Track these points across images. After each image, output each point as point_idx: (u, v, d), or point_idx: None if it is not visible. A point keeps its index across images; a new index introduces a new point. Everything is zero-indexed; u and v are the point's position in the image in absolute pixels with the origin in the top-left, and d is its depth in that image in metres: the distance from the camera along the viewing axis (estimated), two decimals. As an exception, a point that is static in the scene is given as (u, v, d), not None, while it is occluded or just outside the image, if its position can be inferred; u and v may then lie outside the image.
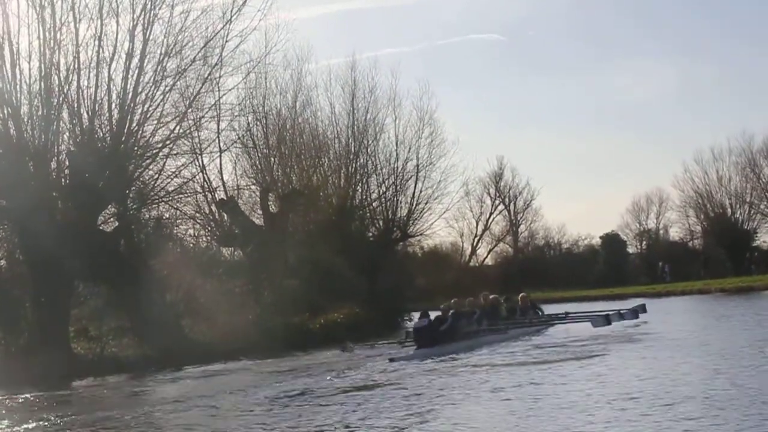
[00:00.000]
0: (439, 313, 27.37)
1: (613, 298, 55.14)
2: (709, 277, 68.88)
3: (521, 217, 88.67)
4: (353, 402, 16.14)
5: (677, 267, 77.96)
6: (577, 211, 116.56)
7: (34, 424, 16.16)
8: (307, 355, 28.20)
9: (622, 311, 29.64)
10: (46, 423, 16.25)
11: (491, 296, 30.78)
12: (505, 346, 25.13)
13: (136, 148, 30.34)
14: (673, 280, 72.92)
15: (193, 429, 14.69)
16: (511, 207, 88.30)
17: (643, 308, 30.97)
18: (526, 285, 74.73)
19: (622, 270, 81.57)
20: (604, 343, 23.66)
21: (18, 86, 28.10)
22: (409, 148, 50.37)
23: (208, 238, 42.37)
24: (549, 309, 35.42)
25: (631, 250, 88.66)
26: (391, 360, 23.20)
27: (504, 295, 32.01)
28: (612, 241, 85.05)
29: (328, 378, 20.50)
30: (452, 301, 28.43)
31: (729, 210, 78.85)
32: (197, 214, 40.70)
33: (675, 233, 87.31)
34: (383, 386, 18.26)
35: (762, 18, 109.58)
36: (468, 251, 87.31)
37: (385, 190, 50.00)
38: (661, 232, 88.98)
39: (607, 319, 26.68)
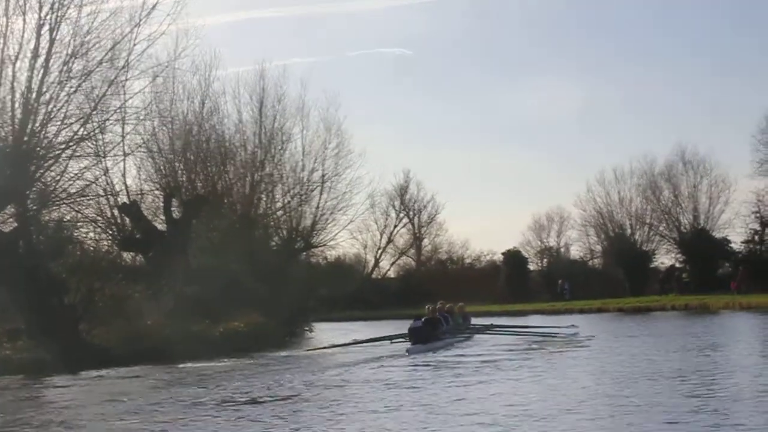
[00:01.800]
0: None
1: (514, 314, 55.81)
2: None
3: (425, 231, 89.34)
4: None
5: (576, 285, 79.16)
6: (481, 227, 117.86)
7: None
8: (204, 362, 28.16)
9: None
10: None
11: (447, 305, 35.48)
12: (474, 345, 31.63)
13: (38, 149, 29.92)
14: (572, 298, 74.06)
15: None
16: (416, 220, 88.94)
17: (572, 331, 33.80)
18: (427, 298, 75.47)
19: (523, 286, 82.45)
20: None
21: None
22: (316, 159, 50.60)
23: (109, 242, 41.94)
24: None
25: (532, 267, 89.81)
26: (408, 351, 28.56)
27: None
28: (514, 257, 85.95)
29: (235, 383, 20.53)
30: (429, 307, 34.10)
31: (629, 230, 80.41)
32: (99, 218, 40.32)
33: (575, 251, 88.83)
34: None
35: (664, 42, 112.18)
36: (371, 263, 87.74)
37: (290, 199, 50.05)
38: (562, 250, 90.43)
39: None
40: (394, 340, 32.36)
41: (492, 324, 36.19)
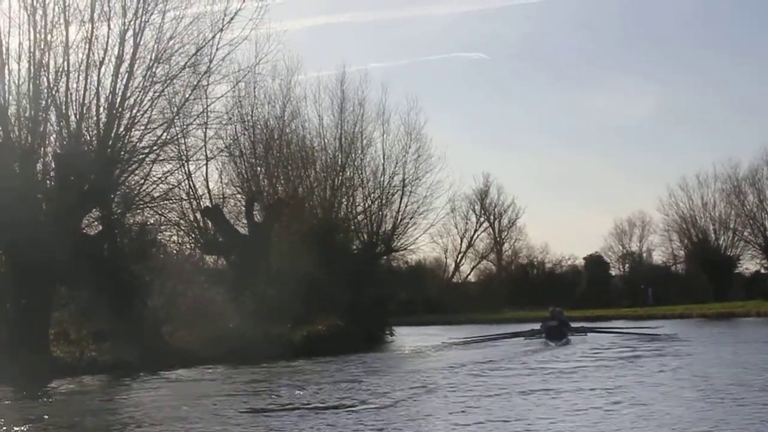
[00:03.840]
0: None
1: (594, 320, 55.16)
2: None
3: (505, 235, 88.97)
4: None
5: (659, 291, 78.16)
6: (561, 232, 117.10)
7: (2, 422, 16.10)
8: (289, 366, 28.25)
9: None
10: (18, 422, 16.20)
11: (557, 309, 40.67)
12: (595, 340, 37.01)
13: (122, 153, 30.29)
14: (656, 304, 73.18)
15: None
16: (496, 225, 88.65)
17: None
18: (508, 303, 75.25)
19: (604, 291, 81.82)
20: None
21: (6, 86, 28.07)
22: (396, 163, 50.55)
23: (192, 245, 42.38)
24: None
25: (613, 272, 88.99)
26: (546, 344, 35.33)
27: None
28: (595, 262, 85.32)
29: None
30: (555, 309, 40.01)
31: (712, 235, 79.21)
32: (182, 221, 40.75)
33: (658, 257, 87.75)
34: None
35: (749, 40, 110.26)
36: (451, 267, 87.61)
37: (370, 203, 50.09)
38: (644, 255, 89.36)
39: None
40: (528, 337, 38.18)
41: (595, 327, 43.16)
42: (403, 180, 50.52)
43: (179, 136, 33.05)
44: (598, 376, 21.42)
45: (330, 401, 17.91)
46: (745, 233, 77.75)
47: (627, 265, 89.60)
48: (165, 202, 34.17)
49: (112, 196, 31.03)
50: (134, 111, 30.13)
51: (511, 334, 39.27)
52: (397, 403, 17.27)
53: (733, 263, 78.86)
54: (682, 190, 79.34)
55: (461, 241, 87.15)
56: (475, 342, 38.49)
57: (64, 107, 29.14)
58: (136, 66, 30.00)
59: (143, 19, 29.93)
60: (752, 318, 57.89)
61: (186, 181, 39.33)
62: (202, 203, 41.49)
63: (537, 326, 39.71)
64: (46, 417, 16.82)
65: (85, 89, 29.37)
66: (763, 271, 78.25)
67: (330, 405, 17.27)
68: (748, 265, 79.85)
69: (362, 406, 16.98)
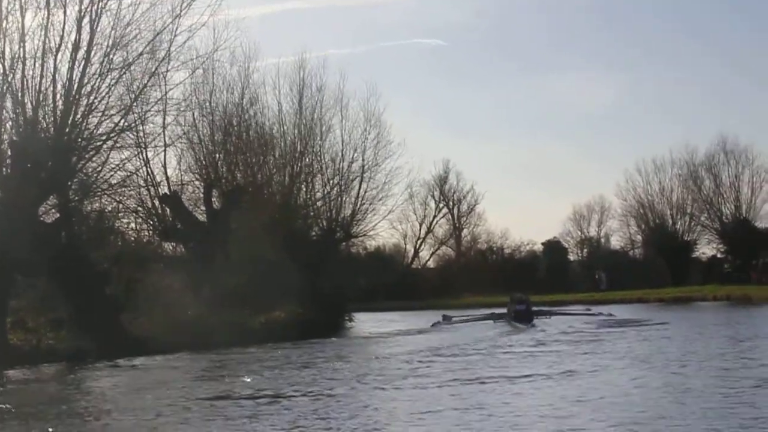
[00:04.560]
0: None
1: (552, 305, 55.55)
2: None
3: (465, 221, 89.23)
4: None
5: (617, 275, 78.77)
6: (521, 218, 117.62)
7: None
8: (247, 353, 28.29)
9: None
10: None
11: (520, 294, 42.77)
12: (560, 324, 38.13)
13: (79, 140, 30.10)
14: (608, 289, 73.65)
15: (122, 419, 14.74)
16: (455, 211, 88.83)
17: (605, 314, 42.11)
18: (467, 288, 75.50)
19: (563, 276, 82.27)
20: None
21: (-40, 74, 27.82)
22: (355, 149, 50.52)
23: (150, 232, 42.18)
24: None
25: (572, 257, 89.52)
26: (516, 327, 36.90)
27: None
28: (554, 247, 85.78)
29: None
30: (518, 294, 42.06)
31: (669, 221, 79.89)
32: (140, 208, 40.48)
33: (616, 242, 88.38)
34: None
35: (713, 29, 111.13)
36: (411, 253, 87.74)
37: (329, 189, 50.08)
38: (602, 240, 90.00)
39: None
40: (496, 320, 40.48)
41: (552, 310, 45.59)
42: (363, 166, 50.57)
43: (137, 122, 32.86)
44: (553, 360, 21.64)
45: (284, 388, 17.97)
46: (702, 218, 78.50)
47: (585, 250, 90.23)
48: (123, 189, 34.04)
49: (70, 183, 30.85)
50: (91, 98, 29.92)
51: (483, 316, 41.55)
52: (354, 390, 17.37)
53: (690, 248, 79.58)
54: (640, 175, 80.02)
55: (420, 227, 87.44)
56: (455, 323, 40.48)
57: (20, 94, 28.86)
58: (93, 52, 29.79)
59: (100, 5, 29.70)
60: (709, 302, 58.56)
61: (144, 168, 39.15)
62: (160, 190, 41.26)
63: (501, 311, 41.57)
64: (3, 406, 16.79)
65: (42, 76, 29.12)
66: (719, 255, 79.02)
67: (284, 392, 17.34)
68: (705, 249, 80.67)
69: (316, 393, 17.04)
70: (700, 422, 12.72)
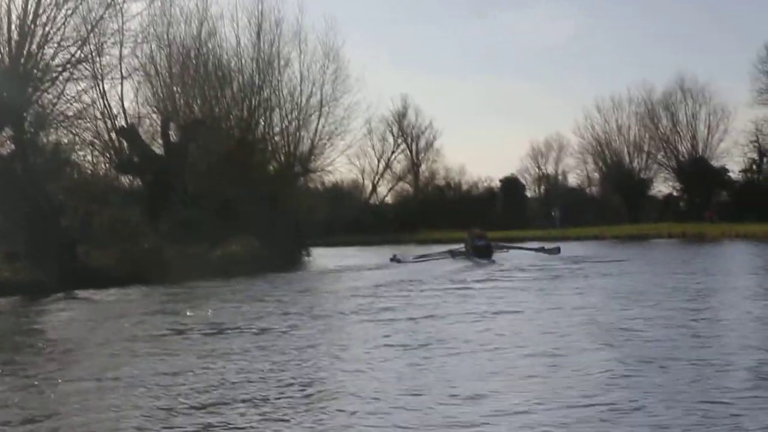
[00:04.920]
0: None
1: (512, 240, 56.01)
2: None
3: (423, 157, 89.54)
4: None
5: (574, 213, 79.44)
6: (478, 154, 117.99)
7: None
8: (202, 286, 28.40)
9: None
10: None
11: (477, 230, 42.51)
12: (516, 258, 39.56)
13: (35, 71, 29.89)
14: (563, 226, 74.46)
15: (80, 351, 14.83)
16: (413, 146, 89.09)
17: (557, 250, 41.19)
18: (425, 224, 75.94)
19: (520, 213, 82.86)
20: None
21: None
22: (313, 84, 50.56)
23: (107, 165, 42.07)
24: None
25: (529, 193, 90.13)
26: (477, 263, 36.79)
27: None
28: (511, 184, 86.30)
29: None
30: (476, 230, 41.73)
31: (627, 158, 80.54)
32: (96, 141, 40.41)
33: (573, 179, 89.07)
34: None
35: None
36: (369, 189, 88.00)
37: (287, 124, 50.15)
38: (560, 177, 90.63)
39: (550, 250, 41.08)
40: (456, 256, 40.32)
41: (510, 245, 45.52)
42: (321, 101, 50.64)
43: (94, 54, 32.73)
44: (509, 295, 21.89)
45: (238, 322, 18.09)
46: (659, 156, 79.26)
47: (543, 187, 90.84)
48: (79, 121, 33.90)
49: (25, 114, 30.64)
50: (47, 28, 29.71)
51: (443, 253, 41.10)
52: (305, 324, 17.53)
53: (647, 186, 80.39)
54: (598, 112, 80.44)
55: (378, 163, 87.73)
56: (412, 262, 39.80)
57: (-27, 24, 28.61)
58: (48, -19, 29.49)
59: (55, -67, 29.38)
60: (664, 239, 59.27)
61: (100, 101, 39.04)
62: (117, 123, 41.14)
63: (459, 246, 41.78)
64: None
65: (-5, 6, 28.86)
66: (675, 193, 79.92)
67: (238, 325, 17.46)
68: (661, 187, 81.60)
69: (266, 327, 17.15)
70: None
